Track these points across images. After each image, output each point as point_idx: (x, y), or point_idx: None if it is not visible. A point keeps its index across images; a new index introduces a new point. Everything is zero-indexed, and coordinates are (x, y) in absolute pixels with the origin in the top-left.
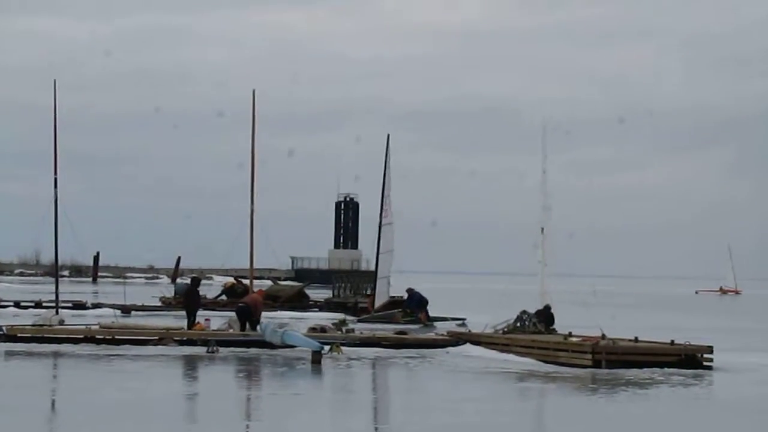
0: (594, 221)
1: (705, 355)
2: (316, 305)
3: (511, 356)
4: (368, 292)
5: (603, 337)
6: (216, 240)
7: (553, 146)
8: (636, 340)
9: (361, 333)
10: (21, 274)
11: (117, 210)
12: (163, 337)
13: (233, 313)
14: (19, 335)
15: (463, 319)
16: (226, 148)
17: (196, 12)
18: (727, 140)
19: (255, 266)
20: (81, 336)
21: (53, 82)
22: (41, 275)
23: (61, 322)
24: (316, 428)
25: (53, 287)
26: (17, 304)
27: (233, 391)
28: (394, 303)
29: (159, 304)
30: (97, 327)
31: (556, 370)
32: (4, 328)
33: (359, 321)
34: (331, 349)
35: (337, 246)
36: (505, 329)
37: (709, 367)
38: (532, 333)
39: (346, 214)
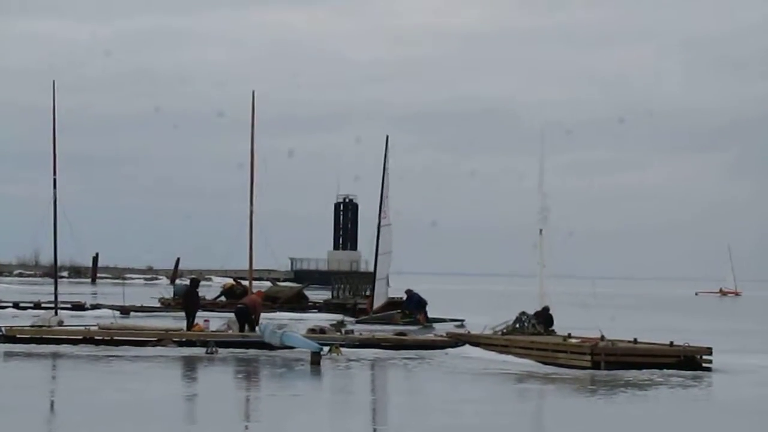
0: (594, 222)
1: (704, 357)
2: (315, 306)
3: (510, 357)
4: (367, 294)
5: (602, 338)
6: (215, 241)
7: (553, 147)
8: (635, 341)
9: (361, 334)
10: (20, 275)
11: (116, 211)
12: (162, 338)
13: (232, 315)
14: (18, 336)
15: (462, 321)
16: (225, 149)
17: (196, 13)
18: (727, 141)
19: (254, 267)
20: (80, 337)
21: (52, 83)
22: (40, 276)
23: (60, 323)
24: (315, 429)
25: (52, 288)
26: (16, 305)
27: (232, 392)
28: (392, 304)
29: (158, 305)
30: (96, 328)
31: (555, 372)
32: (3, 328)
33: (358, 322)
34: (330, 351)
35: (336, 247)
36: (504, 330)
37: (708, 369)
38: (531, 334)
39: (346, 215)
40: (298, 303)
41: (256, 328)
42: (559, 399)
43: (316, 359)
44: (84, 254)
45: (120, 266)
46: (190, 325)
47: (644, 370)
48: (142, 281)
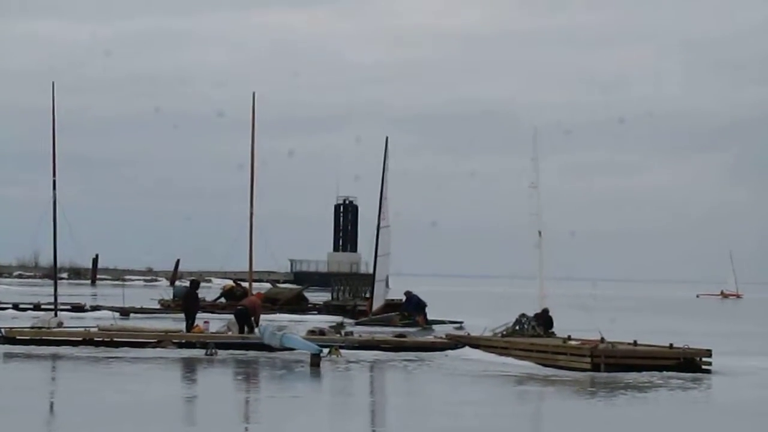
0: (594, 224)
1: (704, 359)
2: (315, 308)
3: (509, 359)
4: (367, 295)
5: (602, 340)
6: (215, 242)
7: (554, 149)
8: (635, 343)
9: (360, 336)
10: (20, 277)
11: (116, 212)
12: (161, 340)
13: (232, 316)
14: (17, 337)
15: (461, 323)
16: (225, 150)
17: (197, 14)
18: (727, 142)
19: (254, 269)
20: (80, 338)
21: (52, 85)
22: (40, 277)
23: (60, 325)
24: (314, 431)
25: (52, 289)
26: (16, 306)
27: (232, 393)
28: (390, 306)
29: (158, 306)
30: (95, 329)
31: (554, 374)
32: (2, 330)
33: (357, 324)
34: (329, 352)
35: (336, 249)
36: (504, 332)
37: (708, 371)
38: (531, 336)
39: (346, 217)
40: (297, 305)
41: (256, 330)
42: (558, 401)
43: (315, 361)
44: (84, 255)
45: (120, 268)
46: (190, 326)
47: (644, 373)
48: (141, 283)
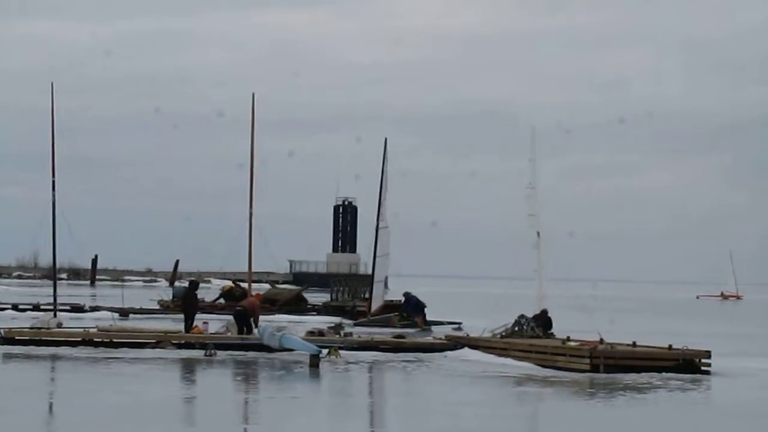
0: (594, 225)
1: (703, 360)
2: (314, 309)
3: (509, 360)
4: (366, 296)
5: (601, 341)
6: (214, 243)
7: (553, 150)
8: (634, 344)
9: (359, 337)
10: (19, 277)
11: (115, 213)
12: (161, 341)
13: (231, 317)
14: (17, 338)
15: (459, 323)
16: (225, 150)
17: (197, 14)
18: (727, 143)
19: (253, 269)
20: (79, 339)
21: (51, 85)
22: (39, 278)
23: (59, 325)
24: None
25: (51, 290)
26: (15, 307)
27: (231, 394)
28: (389, 307)
29: (157, 307)
30: (95, 330)
31: (554, 375)
32: (2, 330)
33: (356, 325)
34: (329, 353)
35: (335, 250)
36: (503, 333)
37: (707, 372)
38: (530, 337)
39: (345, 217)
40: (297, 305)
41: (255, 331)
42: (557, 402)
43: (314, 362)
44: (83, 256)
45: (119, 268)
46: (189, 327)
47: (643, 374)
48: (141, 283)
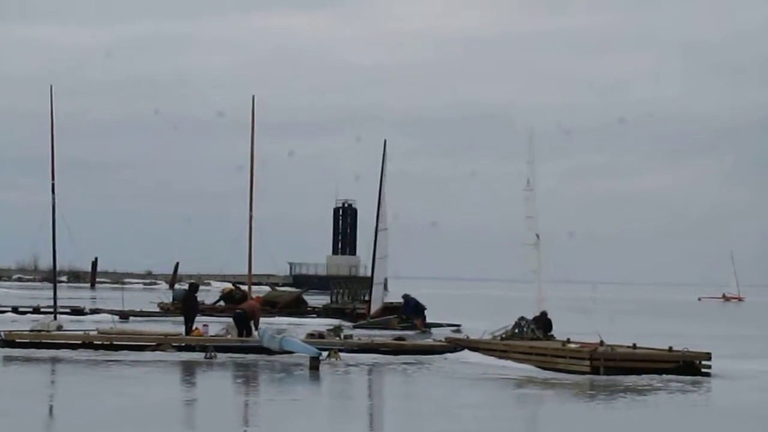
0: (594, 226)
1: (703, 362)
2: (314, 311)
3: (509, 362)
4: (365, 298)
5: (601, 343)
6: (214, 245)
7: (553, 152)
8: (634, 346)
9: (359, 339)
10: (19, 280)
11: (115, 215)
12: (161, 343)
13: (231, 319)
14: (17, 341)
15: (458, 326)
16: (225, 152)
17: (198, 17)
18: (727, 145)
19: (253, 272)
20: (79, 341)
21: (50, 88)
22: (39, 281)
23: (59, 328)
24: None
25: (51, 293)
26: (15, 310)
27: (231, 396)
28: (389, 309)
29: (157, 309)
30: (95, 333)
31: (554, 377)
32: (2, 333)
33: (355, 327)
34: (329, 355)
35: (335, 252)
36: (503, 335)
37: (708, 374)
38: (530, 339)
39: (345, 220)
40: (296, 308)
41: (255, 333)
42: (558, 404)
43: (314, 364)
44: (83, 259)
45: (119, 271)
46: (189, 329)
47: (643, 376)
48: (141, 286)
